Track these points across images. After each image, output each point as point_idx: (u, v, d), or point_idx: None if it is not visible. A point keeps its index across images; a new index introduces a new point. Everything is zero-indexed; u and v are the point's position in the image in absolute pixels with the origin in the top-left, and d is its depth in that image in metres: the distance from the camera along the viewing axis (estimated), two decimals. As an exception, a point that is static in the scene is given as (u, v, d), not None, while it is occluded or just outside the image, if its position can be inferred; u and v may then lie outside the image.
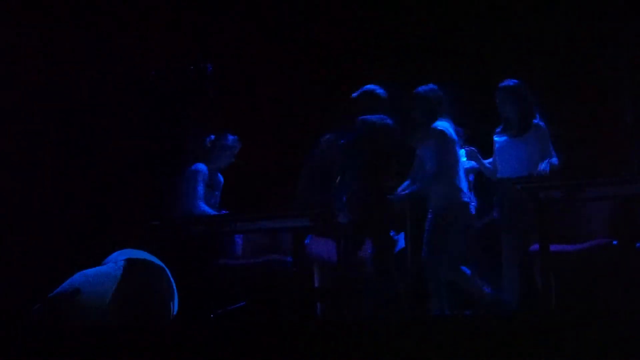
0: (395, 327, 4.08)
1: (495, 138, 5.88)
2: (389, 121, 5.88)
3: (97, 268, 5.50)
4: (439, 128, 5.73)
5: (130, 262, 5.48)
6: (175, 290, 5.60)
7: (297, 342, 4.03)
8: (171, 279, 5.58)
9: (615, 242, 5.52)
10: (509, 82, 5.81)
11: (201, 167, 6.44)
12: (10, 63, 7.32)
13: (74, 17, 7.54)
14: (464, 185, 5.76)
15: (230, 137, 6.57)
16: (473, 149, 5.92)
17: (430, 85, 5.89)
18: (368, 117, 5.87)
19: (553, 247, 5.39)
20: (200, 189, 6.37)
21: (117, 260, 5.55)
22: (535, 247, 5.46)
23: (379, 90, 5.98)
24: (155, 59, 7.27)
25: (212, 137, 6.58)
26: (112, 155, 7.39)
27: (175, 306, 5.57)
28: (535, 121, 5.76)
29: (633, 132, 6.79)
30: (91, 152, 7.41)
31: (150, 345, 4.16)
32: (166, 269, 5.61)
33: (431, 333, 3.90)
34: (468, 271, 5.69)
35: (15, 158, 7.22)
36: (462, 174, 5.78)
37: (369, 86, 6.01)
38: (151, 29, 7.56)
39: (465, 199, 5.72)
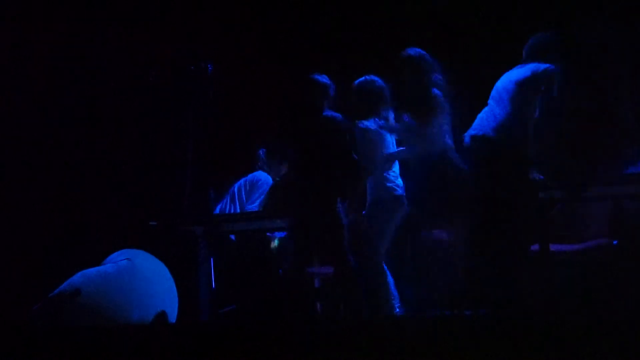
0: (395, 327, 4.08)
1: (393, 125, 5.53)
2: (334, 115, 5.44)
3: (97, 268, 5.51)
4: (359, 126, 5.50)
5: (130, 262, 5.50)
6: (175, 291, 5.61)
7: (297, 342, 4.03)
8: (171, 279, 5.59)
9: (615, 242, 5.53)
10: (410, 50, 5.38)
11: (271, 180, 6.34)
12: (14, 64, 7.34)
13: (73, 17, 7.55)
14: (394, 177, 5.54)
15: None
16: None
17: (367, 77, 5.59)
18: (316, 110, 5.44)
19: (553, 247, 5.39)
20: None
21: (117, 260, 5.56)
22: (535, 247, 5.47)
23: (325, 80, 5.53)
24: (155, 59, 7.28)
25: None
26: (112, 155, 7.40)
27: (175, 306, 5.58)
28: (439, 98, 5.30)
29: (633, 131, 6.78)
30: (91, 152, 7.42)
31: (151, 345, 4.16)
32: (166, 269, 5.62)
33: (431, 333, 3.90)
34: (390, 276, 5.46)
35: (16, 158, 7.23)
36: (395, 167, 5.57)
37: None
38: (151, 29, 7.56)
39: (398, 192, 5.51)
